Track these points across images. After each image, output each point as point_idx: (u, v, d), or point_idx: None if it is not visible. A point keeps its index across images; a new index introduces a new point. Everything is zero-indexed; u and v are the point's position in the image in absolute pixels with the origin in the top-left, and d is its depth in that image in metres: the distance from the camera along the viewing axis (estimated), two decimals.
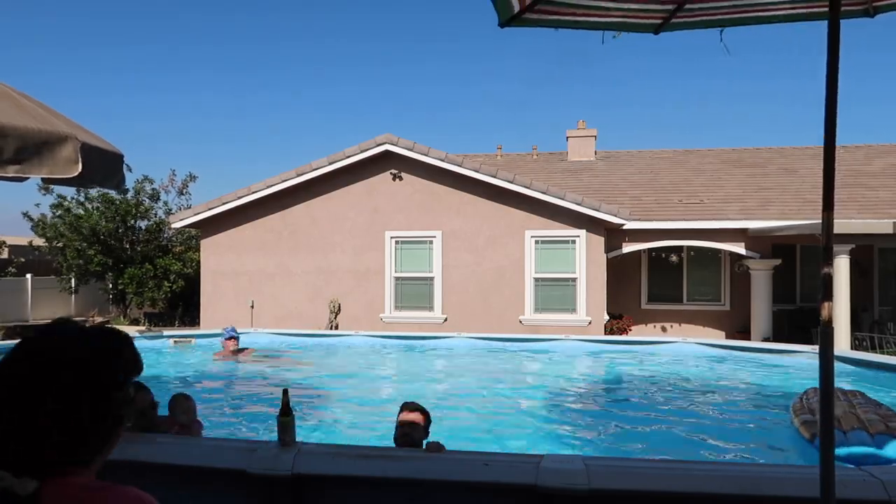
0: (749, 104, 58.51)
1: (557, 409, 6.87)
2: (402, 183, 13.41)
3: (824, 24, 2.40)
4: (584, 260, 12.81)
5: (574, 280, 12.83)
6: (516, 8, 2.50)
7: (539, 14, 2.55)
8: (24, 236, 22.19)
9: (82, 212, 17.29)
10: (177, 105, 61.60)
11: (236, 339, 9.79)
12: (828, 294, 2.24)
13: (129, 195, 17.72)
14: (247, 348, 10.06)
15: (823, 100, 2.25)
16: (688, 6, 2.65)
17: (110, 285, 18.06)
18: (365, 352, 10.56)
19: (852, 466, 3.47)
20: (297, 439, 3.28)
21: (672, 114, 59.97)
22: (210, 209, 13.77)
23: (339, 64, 60.18)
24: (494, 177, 12.81)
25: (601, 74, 57.97)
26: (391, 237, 13.42)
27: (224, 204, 13.68)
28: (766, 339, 12.96)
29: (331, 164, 13.29)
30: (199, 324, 14.25)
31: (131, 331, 12.51)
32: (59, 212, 17.30)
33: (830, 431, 2.23)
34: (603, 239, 12.94)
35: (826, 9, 2.40)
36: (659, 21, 2.74)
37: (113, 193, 16.82)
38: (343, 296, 13.49)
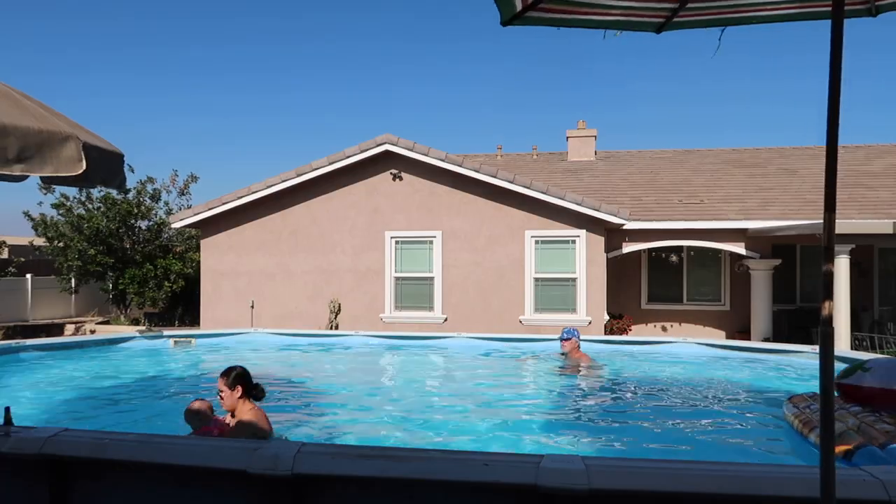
0: (749, 104, 58.52)
1: (557, 409, 6.87)
2: (402, 183, 13.41)
3: (825, 23, 2.40)
4: (584, 260, 12.81)
5: (574, 280, 12.84)
6: (518, 6, 2.50)
7: (541, 12, 2.55)
8: (24, 236, 22.22)
9: (83, 212, 17.30)
10: (176, 105, 61.64)
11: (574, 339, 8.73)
12: (828, 293, 2.24)
13: (131, 195, 17.73)
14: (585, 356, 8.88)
15: (823, 99, 2.24)
16: (690, 5, 2.65)
17: (111, 285, 18.06)
18: (365, 352, 10.56)
19: (852, 466, 3.46)
20: (297, 439, 3.28)
21: (672, 113, 59.99)
22: (210, 209, 13.77)
23: (339, 64, 60.19)
24: (494, 177, 12.81)
25: (601, 74, 58.00)
26: (391, 237, 13.42)
27: (224, 204, 13.68)
28: (766, 339, 12.97)
29: (331, 164, 13.29)
30: (199, 324, 14.25)
31: (131, 331, 12.51)
32: (62, 211, 17.31)
33: (831, 431, 2.23)
34: (603, 239, 12.94)
35: (828, 8, 2.39)
36: (661, 20, 2.74)
37: (115, 193, 16.84)
38: (343, 296, 13.49)
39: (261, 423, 4.55)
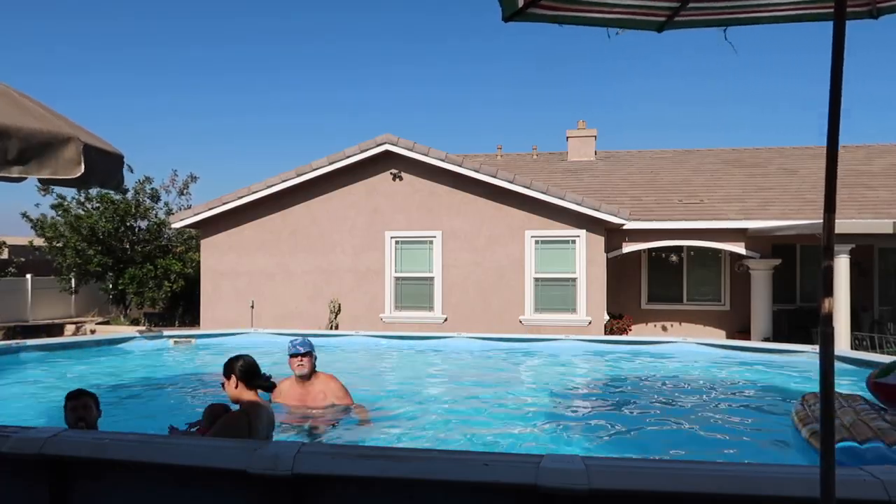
0: (749, 104, 58.54)
1: (557, 410, 6.86)
2: (402, 183, 13.42)
3: (827, 24, 2.40)
4: (584, 260, 12.81)
5: (574, 280, 12.84)
6: (520, 2, 2.49)
7: (543, 9, 2.54)
8: (24, 236, 22.20)
9: (82, 212, 17.30)
10: (176, 105, 61.66)
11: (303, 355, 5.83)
12: (828, 290, 2.23)
13: (129, 195, 17.74)
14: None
15: (822, 99, 2.24)
16: (692, 4, 2.64)
17: (110, 285, 18.07)
18: (365, 352, 10.56)
19: (853, 466, 3.46)
20: (297, 439, 3.28)
21: (672, 113, 60.00)
22: (210, 209, 13.78)
23: (339, 64, 60.20)
24: (494, 177, 12.81)
25: (602, 74, 58.00)
26: (391, 237, 13.42)
27: (224, 204, 13.69)
28: (766, 339, 12.97)
29: (331, 164, 13.29)
30: (199, 324, 14.25)
31: (131, 331, 12.50)
32: (60, 211, 17.32)
33: (830, 431, 2.23)
34: (603, 239, 12.94)
35: (830, 9, 2.39)
36: (663, 19, 2.73)
37: (113, 193, 16.85)
38: (343, 296, 13.49)
39: (241, 421, 3.93)
